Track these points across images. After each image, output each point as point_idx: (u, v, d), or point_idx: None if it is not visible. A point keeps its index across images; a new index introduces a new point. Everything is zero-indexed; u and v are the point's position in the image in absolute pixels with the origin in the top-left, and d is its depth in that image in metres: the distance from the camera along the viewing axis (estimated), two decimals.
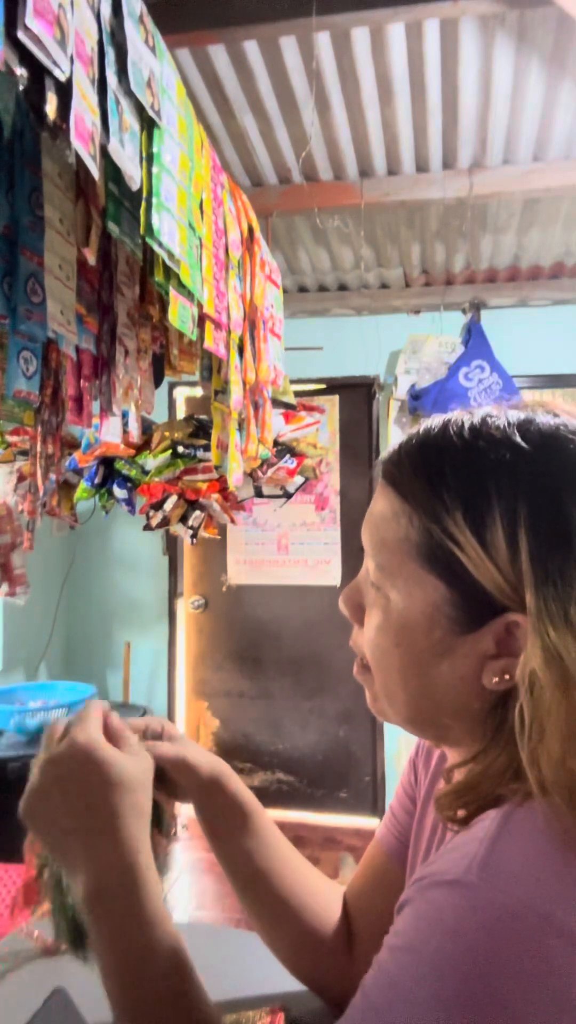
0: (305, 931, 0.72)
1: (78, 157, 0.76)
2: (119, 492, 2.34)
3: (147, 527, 2.41)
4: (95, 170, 0.81)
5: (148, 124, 0.94)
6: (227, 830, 0.73)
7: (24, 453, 2.25)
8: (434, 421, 0.55)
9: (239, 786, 0.75)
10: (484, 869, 0.42)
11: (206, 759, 0.74)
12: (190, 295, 1.12)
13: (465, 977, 0.39)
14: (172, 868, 0.72)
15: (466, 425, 0.52)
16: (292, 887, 0.72)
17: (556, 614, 0.46)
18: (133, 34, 0.87)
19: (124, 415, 1.74)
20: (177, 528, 2.43)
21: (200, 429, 2.23)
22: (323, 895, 0.75)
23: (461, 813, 0.51)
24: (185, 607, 3.49)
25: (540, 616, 0.46)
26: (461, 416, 0.54)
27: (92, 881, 0.56)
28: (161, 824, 0.69)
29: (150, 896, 0.56)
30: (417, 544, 0.52)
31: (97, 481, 2.35)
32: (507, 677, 0.49)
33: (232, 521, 2.50)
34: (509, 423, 0.51)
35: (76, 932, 0.60)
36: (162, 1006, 0.52)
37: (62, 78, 0.72)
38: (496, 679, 0.50)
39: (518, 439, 0.50)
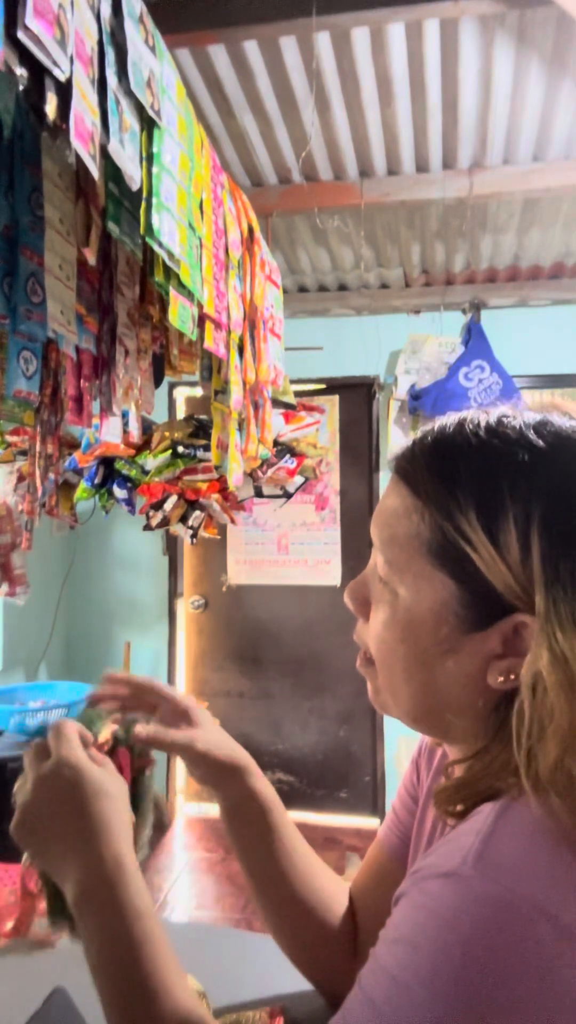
0: (315, 928, 0.72)
1: (78, 157, 0.76)
2: (119, 492, 2.34)
3: (147, 527, 2.41)
4: (95, 170, 0.81)
5: (148, 124, 0.94)
6: (245, 823, 0.74)
7: (24, 453, 2.25)
8: (449, 419, 0.55)
9: (259, 780, 0.75)
10: (479, 861, 0.42)
11: (225, 748, 0.74)
12: (190, 295, 1.12)
13: (459, 968, 0.40)
14: (146, 850, 0.73)
15: (482, 424, 0.53)
16: (306, 885, 0.73)
17: (565, 616, 0.46)
18: (133, 34, 0.87)
19: (124, 415, 1.73)
20: (177, 528, 2.43)
21: (200, 429, 2.23)
22: (335, 894, 0.75)
23: (459, 808, 0.51)
24: (185, 607, 3.49)
25: (548, 618, 0.46)
26: (477, 415, 0.54)
27: (80, 882, 0.57)
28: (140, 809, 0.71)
29: (134, 892, 0.57)
30: (428, 541, 0.52)
31: (97, 481, 2.35)
32: (512, 677, 0.50)
33: (232, 521, 2.50)
34: (525, 424, 0.52)
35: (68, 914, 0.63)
36: (146, 1001, 0.53)
37: (62, 78, 0.72)
38: (501, 679, 0.50)
39: (534, 440, 0.50)
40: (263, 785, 0.75)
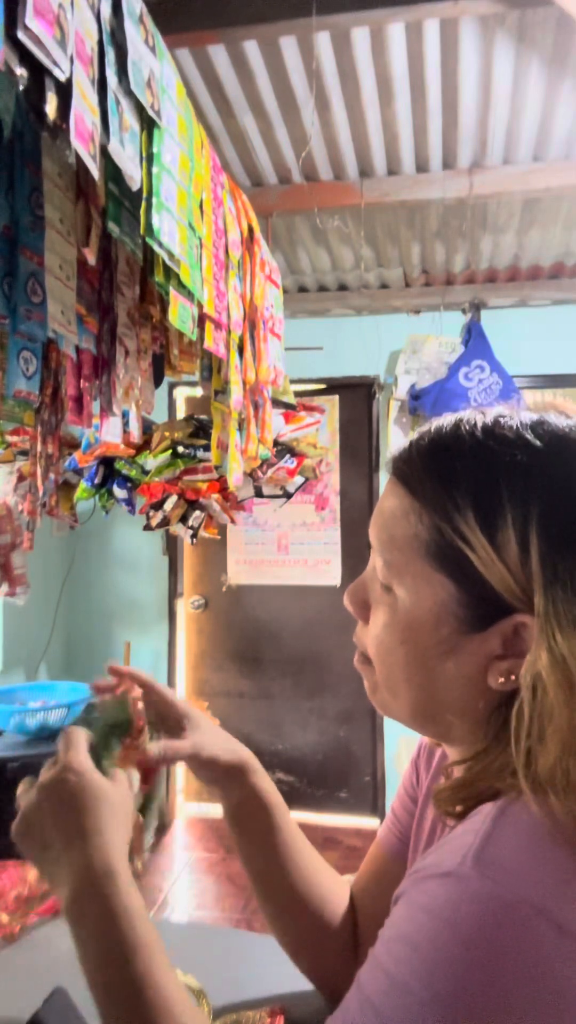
0: (316, 927, 0.73)
1: (78, 157, 0.76)
2: (119, 492, 2.34)
3: (147, 527, 2.41)
4: (95, 170, 0.81)
5: (148, 124, 0.94)
6: (248, 822, 0.74)
7: (24, 453, 2.25)
8: (446, 420, 0.55)
9: (262, 779, 0.76)
10: (478, 861, 0.42)
11: (228, 750, 0.75)
12: (190, 295, 1.12)
13: (458, 967, 0.40)
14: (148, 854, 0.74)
15: (479, 424, 0.53)
16: (308, 884, 0.73)
17: (564, 616, 0.46)
18: (133, 34, 0.87)
19: (124, 415, 1.73)
20: (177, 528, 2.42)
21: (200, 429, 2.23)
22: (337, 894, 0.76)
23: (459, 809, 0.51)
24: (185, 607, 3.49)
25: (548, 618, 0.46)
26: (473, 415, 0.54)
27: (72, 886, 0.58)
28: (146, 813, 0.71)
29: (125, 895, 0.57)
30: (427, 542, 0.52)
31: (97, 481, 2.35)
32: (512, 678, 0.50)
33: (232, 521, 2.50)
34: (522, 424, 0.52)
35: None
36: (141, 1004, 0.53)
37: (62, 78, 0.72)
38: (501, 679, 0.50)
39: (531, 440, 0.50)
40: (266, 784, 0.76)
